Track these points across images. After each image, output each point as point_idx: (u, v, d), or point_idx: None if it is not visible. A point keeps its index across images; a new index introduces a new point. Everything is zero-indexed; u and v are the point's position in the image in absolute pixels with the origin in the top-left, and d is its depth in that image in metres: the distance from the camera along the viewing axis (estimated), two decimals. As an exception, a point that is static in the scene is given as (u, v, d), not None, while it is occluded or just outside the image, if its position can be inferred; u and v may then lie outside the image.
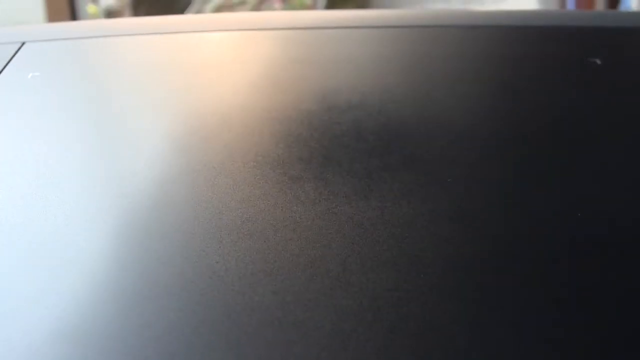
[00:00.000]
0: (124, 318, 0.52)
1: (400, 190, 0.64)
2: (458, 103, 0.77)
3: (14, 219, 0.63)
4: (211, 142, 0.72)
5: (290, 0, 4.50)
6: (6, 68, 0.88)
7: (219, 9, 4.40)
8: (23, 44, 0.93)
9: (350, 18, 0.97)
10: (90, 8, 4.26)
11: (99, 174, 0.71)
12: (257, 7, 4.36)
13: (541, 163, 0.68)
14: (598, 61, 0.84)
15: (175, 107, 0.79)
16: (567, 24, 0.93)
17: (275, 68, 0.85)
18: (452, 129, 0.72)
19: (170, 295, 0.54)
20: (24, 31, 0.98)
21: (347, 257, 0.57)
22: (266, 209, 0.61)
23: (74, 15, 3.57)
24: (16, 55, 0.91)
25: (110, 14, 4.04)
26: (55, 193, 0.67)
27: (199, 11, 4.55)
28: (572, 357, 0.51)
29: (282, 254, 0.57)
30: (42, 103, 0.82)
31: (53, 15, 3.53)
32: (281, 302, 0.52)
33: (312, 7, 4.60)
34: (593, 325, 0.53)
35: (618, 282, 0.56)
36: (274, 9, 4.38)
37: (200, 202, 0.62)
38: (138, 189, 0.66)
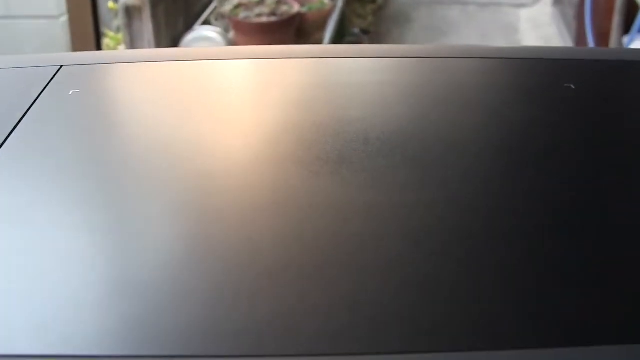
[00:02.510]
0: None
1: (403, 182, 0.81)
2: (450, 118, 0.96)
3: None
4: (247, 146, 0.90)
5: (309, 0, 4.52)
6: (48, 86, 1.03)
7: (237, 7, 4.43)
8: (61, 67, 1.08)
9: (354, 50, 1.20)
10: (111, 4, 4.30)
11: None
12: (275, 7, 4.38)
13: (522, 165, 0.86)
14: (572, 86, 1.04)
15: (216, 119, 0.98)
16: (548, 57, 1.17)
17: (296, 91, 1.05)
18: (445, 139, 0.90)
19: (219, 262, 0.68)
20: (61, 56, 1.17)
21: (362, 232, 0.72)
22: (293, 195, 0.78)
23: (95, 10, 3.61)
24: (56, 76, 1.06)
25: (129, 10, 4.07)
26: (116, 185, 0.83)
27: (218, 9, 4.59)
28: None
29: (307, 229, 0.72)
30: (84, 114, 0.98)
31: (74, 9, 3.57)
32: (310, 262, 0.68)
33: (332, 7, 4.63)
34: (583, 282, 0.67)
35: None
36: (292, 8, 4.41)
37: (242, 190, 0.80)
38: (193, 180, 0.82)
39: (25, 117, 0.94)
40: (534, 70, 1.12)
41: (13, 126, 0.92)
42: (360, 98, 1.01)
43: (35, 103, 0.98)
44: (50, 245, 0.71)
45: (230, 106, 1.01)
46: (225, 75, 1.12)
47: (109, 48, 4.15)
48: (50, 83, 1.03)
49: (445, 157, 0.86)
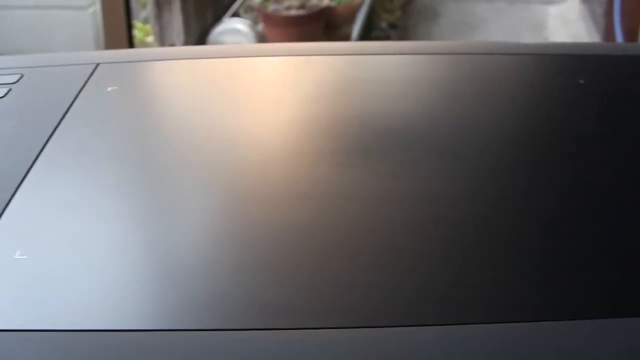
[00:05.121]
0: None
1: (421, 173, 0.85)
2: (462, 112, 1.00)
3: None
4: (277, 141, 0.96)
5: (338, -6, 4.52)
6: (87, 84, 1.06)
7: (266, -1, 4.43)
8: (98, 65, 1.11)
9: (374, 47, 1.24)
10: (142, -5, 4.31)
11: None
12: (304, 1, 4.38)
13: (539, 159, 0.89)
14: (582, 81, 1.09)
15: (247, 114, 1.02)
16: (560, 52, 1.23)
17: (322, 87, 1.09)
18: (459, 132, 0.95)
19: (255, 245, 0.74)
20: (97, 54, 1.22)
21: (385, 213, 0.78)
22: (320, 182, 0.84)
23: (127, 1, 3.62)
24: (94, 74, 1.08)
25: (159, 1, 4.08)
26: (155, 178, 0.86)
27: (247, 2, 4.59)
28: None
29: (333, 212, 0.78)
30: (122, 108, 1.02)
31: (107, 0, 3.59)
32: (334, 235, 0.75)
33: (360, 1, 4.63)
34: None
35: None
36: (321, 2, 4.40)
37: (276, 179, 0.85)
38: (229, 172, 0.87)
39: (66, 115, 0.97)
40: (549, 66, 1.17)
41: (55, 125, 0.94)
42: (377, 94, 1.06)
43: (75, 101, 1.00)
44: (104, 234, 0.76)
45: (261, 102, 1.05)
46: (257, 72, 1.15)
47: (137, 39, 4.16)
48: (89, 81, 1.06)
49: (457, 148, 0.91)
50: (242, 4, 4.64)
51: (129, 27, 3.71)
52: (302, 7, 4.35)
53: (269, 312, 0.66)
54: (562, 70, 1.16)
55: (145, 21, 4.30)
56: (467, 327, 0.64)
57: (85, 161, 0.89)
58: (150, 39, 4.22)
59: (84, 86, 1.05)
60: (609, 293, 0.68)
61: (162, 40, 4.16)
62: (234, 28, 4.32)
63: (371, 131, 0.95)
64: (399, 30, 4.83)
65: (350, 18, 4.54)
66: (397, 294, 0.68)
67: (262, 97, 1.07)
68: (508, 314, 0.66)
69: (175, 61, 1.16)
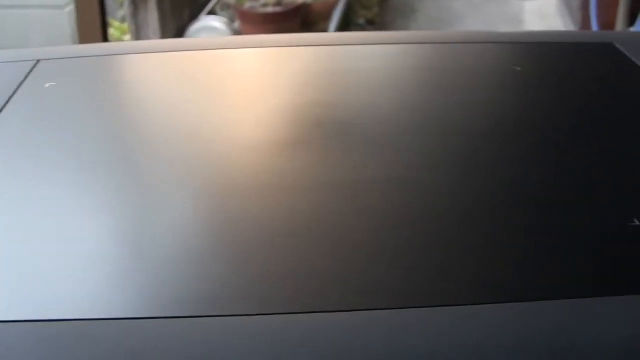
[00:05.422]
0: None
1: (351, 163, 0.88)
2: (408, 102, 1.05)
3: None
4: (214, 130, 0.96)
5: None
6: (26, 80, 1.06)
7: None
8: (38, 61, 1.12)
9: (333, 38, 1.32)
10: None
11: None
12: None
13: (466, 144, 0.93)
14: (518, 68, 1.13)
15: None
16: (499, 40, 1.27)
17: (276, 78, 1.11)
18: (397, 121, 0.99)
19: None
20: (38, 51, 1.21)
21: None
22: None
23: (102, 0, 3.62)
24: (33, 71, 1.09)
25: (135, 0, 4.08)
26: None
27: (224, -1, 4.59)
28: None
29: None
30: (59, 104, 1.02)
31: (81, -1, 3.59)
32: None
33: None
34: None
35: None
36: None
37: (209, 170, 0.86)
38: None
39: (2, 112, 0.98)
40: (483, 54, 1.21)
41: None
42: (328, 84, 1.09)
43: (12, 98, 1.01)
44: (38, 230, 0.76)
45: (192, 98, 1.05)
46: (193, 66, 1.16)
47: (114, 38, 4.16)
48: (28, 77, 1.07)
49: (396, 138, 0.93)
50: (218, 1, 4.64)
51: (104, 25, 3.71)
52: (278, 4, 4.35)
53: (229, 299, 0.65)
54: (500, 58, 1.19)
55: (123, 20, 4.30)
56: (416, 310, 0.64)
57: (19, 156, 0.89)
58: (127, 37, 4.22)
59: (22, 83, 1.06)
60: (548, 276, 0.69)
61: (139, 38, 4.16)
62: (210, 26, 4.32)
63: (307, 122, 0.96)
64: (376, 26, 4.84)
65: (327, 15, 4.55)
66: (350, 280, 0.68)
67: (196, 91, 1.07)
68: (449, 297, 0.65)
69: (116, 56, 1.17)
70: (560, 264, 0.70)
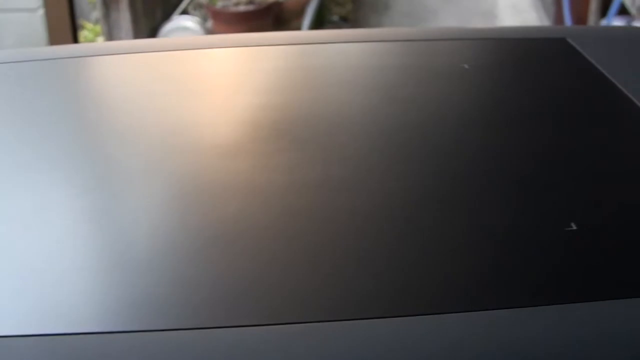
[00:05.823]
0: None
1: (286, 164, 0.88)
2: (345, 100, 1.05)
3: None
4: (161, 134, 0.96)
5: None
6: None
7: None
8: None
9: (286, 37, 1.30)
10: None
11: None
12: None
13: (402, 142, 0.94)
14: (466, 66, 1.12)
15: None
16: (451, 37, 1.24)
17: (227, 79, 1.12)
18: (336, 121, 0.99)
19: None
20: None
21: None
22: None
23: (71, 2, 3.61)
24: None
25: (106, 1, 4.07)
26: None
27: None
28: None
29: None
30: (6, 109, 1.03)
31: (51, 1, 3.58)
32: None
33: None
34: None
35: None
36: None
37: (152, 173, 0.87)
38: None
39: None
40: (432, 52, 1.21)
41: None
42: (275, 85, 1.09)
43: None
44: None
45: (138, 102, 1.05)
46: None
47: (87, 39, 4.15)
48: None
49: (332, 139, 0.92)
50: (191, 1, 4.63)
51: (74, 28, 3.71)
52: (250, 2, 4.35)
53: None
54: (450, 55, 1.19)
55: (97, 22, 4.29)
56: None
57: None
58: (101, 39, 4.21)
59: None
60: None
61: (111, 39, 4.15)
62: (183, 26, 4.32)
63: (247, 125, 0.96)
64: (350, 23, 4.84)
65: (300, 12, 4.55)
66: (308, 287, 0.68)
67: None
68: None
69: (58, 60, 1.16)
70: (494, 271, 0.69)
